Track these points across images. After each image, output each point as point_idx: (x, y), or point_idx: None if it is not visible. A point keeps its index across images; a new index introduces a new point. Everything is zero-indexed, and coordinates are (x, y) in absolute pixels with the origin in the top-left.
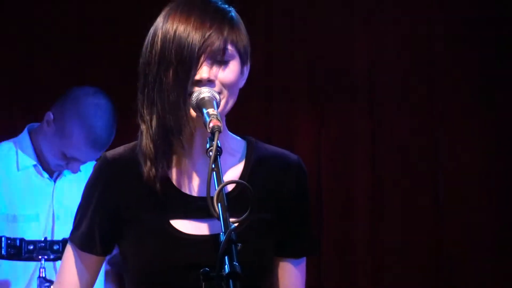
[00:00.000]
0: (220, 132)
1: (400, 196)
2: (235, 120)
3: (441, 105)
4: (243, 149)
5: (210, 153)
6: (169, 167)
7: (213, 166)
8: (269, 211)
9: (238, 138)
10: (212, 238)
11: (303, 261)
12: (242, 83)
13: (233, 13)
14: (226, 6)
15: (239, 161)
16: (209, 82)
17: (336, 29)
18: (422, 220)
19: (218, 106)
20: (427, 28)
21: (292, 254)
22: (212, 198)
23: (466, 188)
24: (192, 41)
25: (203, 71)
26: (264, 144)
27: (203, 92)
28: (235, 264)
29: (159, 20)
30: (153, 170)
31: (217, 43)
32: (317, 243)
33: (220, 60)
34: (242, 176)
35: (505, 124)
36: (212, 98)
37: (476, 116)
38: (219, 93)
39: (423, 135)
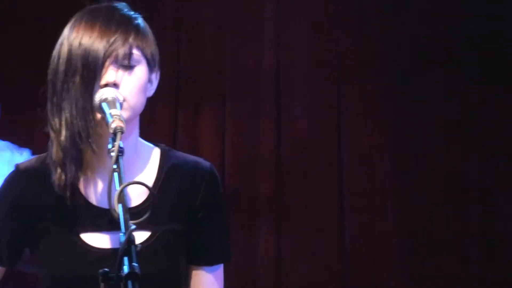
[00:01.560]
0: (122, 132)
1: (304, 198)
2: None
3: (346, 104)
4: (156, 157)
5: (112, 153)
6: (79, 175)
7: (115, 166)
8: (182, 219)
9: (151, 145)
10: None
11: (219, 268)
12: (151, 92)
13: (140, 20)
14: (133, 13)
15: (152, 169)
16: (115, 86)
17: (244, 30)
18: (327, 223)
19: (122, 107)
20: (332, 25)
21: (206, 262)
22: (114, 197)
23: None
24: (97, 47)
25: (108, 75)
26: (176, 151)
27: (106, 93)
28: (134, 265)
29: (66, 31)
30: (63, 177)
31: (122, 48)
32: (230, 250)
33: (126, 65)
34: (155, 183)
35: (406, 114)
36: (115, 99)
37: (379, 122)
38: (124, 100)
39: (327, 133)
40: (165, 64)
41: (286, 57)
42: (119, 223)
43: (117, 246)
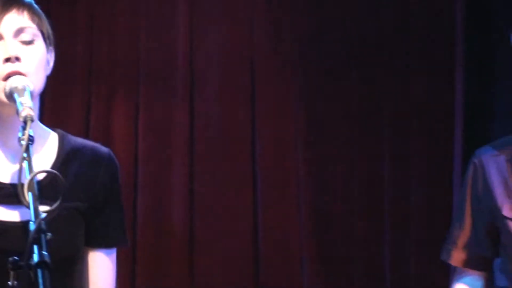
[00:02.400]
0: (32, 121)
1: (217, 183)
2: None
3: (260, 90)
4: (54, 141)
5: (22, 142)
6: None
7: (25, 155)
8: (80, 201)
9: (49, 129)
10: (22, 225)
11: (113, 252)
12: (48, 71)
13: (34, 4)
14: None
15: (51, 152)
16: (17, 60)
17: (157, 18)
18: (241, 207)
19: (32, 97)
20: (246, 11)
21: (102, 244)
22: (22, 186)
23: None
24: None
25: (10, 49)
26: (74, 137)
27: (15, 81)
28: (44, 254)
29: None
30: None
31: (19, 22)
32: (126, 234)
33: (26, 40)
34: (53, 166)
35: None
36: (25, 87)
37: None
38: (27, 75)
39: (240, 120)
40: (78, 53)
41: (200, 44)
42: (19, 196)
43: (17, 219)
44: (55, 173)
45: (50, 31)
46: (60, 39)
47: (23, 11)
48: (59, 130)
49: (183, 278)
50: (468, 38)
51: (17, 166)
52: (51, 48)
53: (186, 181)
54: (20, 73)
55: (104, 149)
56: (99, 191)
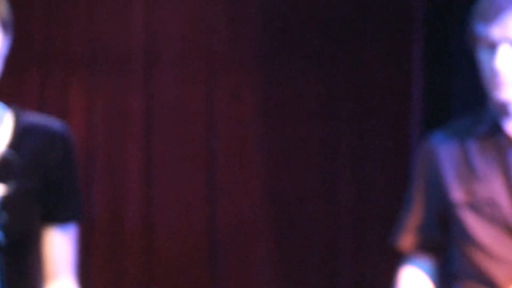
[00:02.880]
0: None
1: (173, 165)
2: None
3: (216, 75)
4: (8, 117)
5: None
6: None
7: None
8: (36, 178)
9: (3, 107)
10: None
11: (70, 229)
12: (4, 54)
13: None
14: None
15: (6, 128)
16: None
17: (114, 3)
18: (199, 199)
19: None
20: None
21: (57, 219)
22: None
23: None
24: None
25: None
26: (29, 112)
27: None
28: None
29: None
30: None
31: None
32: (82, 209)
33: None
34: (9, 143)
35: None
36: None
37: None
38: None
39: (196, 103)
40: (33, 36)
41: (156, 28)
42: None
43: None
44: (11, 152)
45: (7, 15)
46: (16, 22)
47: None
48: (13, 105)
49: (140, 264)
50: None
51: None
52: (8, 31)
53: (142, 166)
54: None
55: (58, 124)
56: (54, 167)
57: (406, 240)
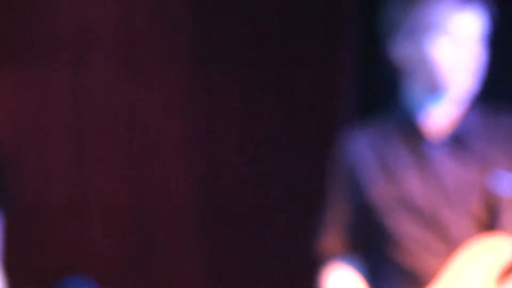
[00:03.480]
0: None
1: (104, 155)
2: None
3: (145, 73)
4: None
5: None
6: None
7: None
8: None
9: None
10: None
11: None
12: None
13: None
14: None
15: None
16: None
17: None
18: (126, 182)
19: None
20: None
21: None
22: None
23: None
24: None
25: None
26: None
27: None
28: None
29: None
30: None
31: None
32: (8, 199)
33: None
34: None
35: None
36: None
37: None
38: None
39: (125, 95)
40: None
41: (85, 21)
42: None
43: None
44: None
45: None
46: None
47: None
48: None
49: (65, 247)
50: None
51: None
52: None
53: (70, 149)
54: None
55: None
56: None
57: (329, 240)
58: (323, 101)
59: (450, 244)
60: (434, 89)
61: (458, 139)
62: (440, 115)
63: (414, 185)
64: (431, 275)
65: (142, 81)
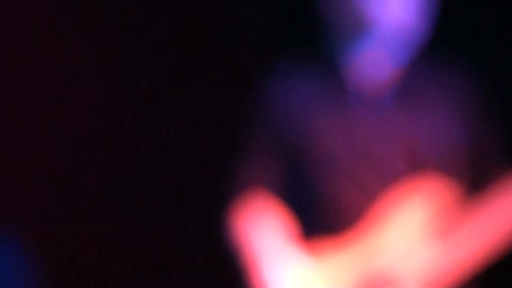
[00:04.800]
0: None
1: None
2: None
3: None
4: None
5: None
6: None
7: None
8: None
9: None
10: None
11: None
12: None
13: None
14: None
15: None
16: None
17: None
18: None
19: None
20: None
21: None
22: None
23: None
24: None
25: None
26: None
27: None
28: None
29: None
30: None
31: None
32: None
33: None
34: None
35: None
36: None
37: None
38: None
39: None
40: None
41: None
42: None
43: None
44: None
45: None
46: None
47: None
48: None
49: None
50: None
51: None
52: None
53: None
54: None
55: None
56: None
57: (254, 171)
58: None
59: (383, 176)
60: (362, 26)
61: (390, 93)
62: (371, 62)
63: (339, 139)
64: (361, 213)
65: None
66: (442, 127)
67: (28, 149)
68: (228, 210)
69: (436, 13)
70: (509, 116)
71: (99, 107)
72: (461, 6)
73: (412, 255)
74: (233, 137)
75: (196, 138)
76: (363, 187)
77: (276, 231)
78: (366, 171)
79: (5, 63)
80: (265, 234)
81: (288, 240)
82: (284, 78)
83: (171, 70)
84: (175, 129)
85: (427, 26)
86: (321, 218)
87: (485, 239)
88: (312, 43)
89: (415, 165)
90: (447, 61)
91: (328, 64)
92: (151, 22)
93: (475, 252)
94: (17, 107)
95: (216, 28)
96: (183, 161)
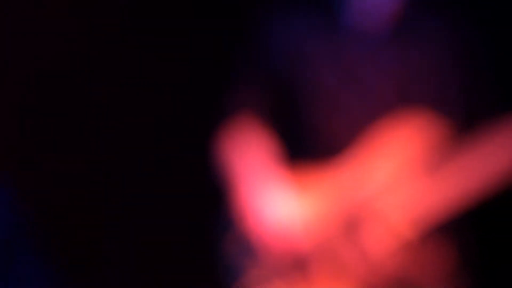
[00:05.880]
0: None
1: None
2: None
3: None
4: None
5: None
6: None
7: None
8: None
9: None
10: None
11: None
12: None
13: None
14: None
15: None
16: None
17: None
18: None
19: None
20: None
21: None
22: None
23: None
24: None
25: None
26: None
27: None
28: None
29: None
30: None
31: None
32: None
33: None
34: None
35: None
36: None
37: None
38: None
39: None
40: None
41: None
42: None
43: None
44: None
45: None
46: None
47: None
48: None
49: None
50: None
51: None
52: None
53: None
54: None
55: None
56: None
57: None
58: None
59: (373, 108)
60: None
61: (385, 28)
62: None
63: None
64: (348, 143)
65: None
66: (435, 64)
67: None
68: (218, 133)
69: None
70: (500, 58)
71: None
72: None
73: (397, 189)
74: (227, 65)
75: (190, 65)
76: (351, 118)
77: (262, 156)
78: (355, 102)
79: None
80: (251, 158)
81: (274, 165)
82: (279, 10)
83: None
84: (169, 55)
85: None
86: (308, 146)
87: (472, 179)
88: None
89: (405, 99)
90: (443, 1)
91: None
92: None
93: (462, 191)
94: None
95: None
96: (176, 86)
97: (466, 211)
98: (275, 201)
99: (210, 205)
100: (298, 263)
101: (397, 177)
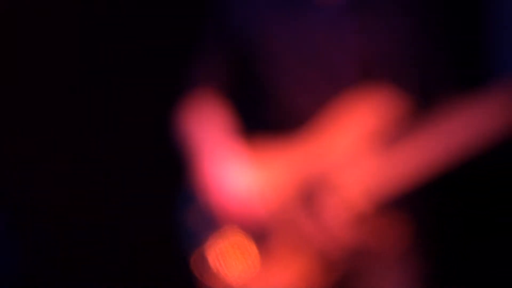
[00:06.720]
0: None
1: None
2: None
3: None
4: None
5: None
6: None
7: None
8: None
9: None
10: None
11: None
12: None
13: None
14: None
15: None
16: None
17: None
18: None
19: None
20: None
21: None
22: None
23: None
24: None
25: None
26: None
27: None
28: None
29: None
30: None
31: None
32: None
33: None
34: None
35: None
36: None
37: None
38: None
39: None
40: None
41: None
42: None
43: None
44: None
45: None
46: None
47: None
48: None
49: None
50: None
51: None
52: None
53: None
54: None
55: None
56: None
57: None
58: None
59: (333, 83)
60: None
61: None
62: None
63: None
64: (308, 116)
65: None
66: (395, 37)
67: None
68: (178, 106)
69: None
70: (463, 32)
71: None
72: None
73: (356, 162)
74: (187, 38)
75: (150, 39)
76: (311, 91)
77: (222, 128)
78: (316, 76)
79: None
80: (211, 131)
81: (233, 138)
82: None
83: None
84: (130, 24)
85: None
86: (268, 119)
87: (429, 154)
88: None
89: (365, 73)
90: None
91: None
92: None
93: (418, 166)
94: None
95: None
96: (136, 61)
97: (422, 185)
98: (235, 173)
99: (170, 178)
100: (256, 235)
101: (355, 151)
